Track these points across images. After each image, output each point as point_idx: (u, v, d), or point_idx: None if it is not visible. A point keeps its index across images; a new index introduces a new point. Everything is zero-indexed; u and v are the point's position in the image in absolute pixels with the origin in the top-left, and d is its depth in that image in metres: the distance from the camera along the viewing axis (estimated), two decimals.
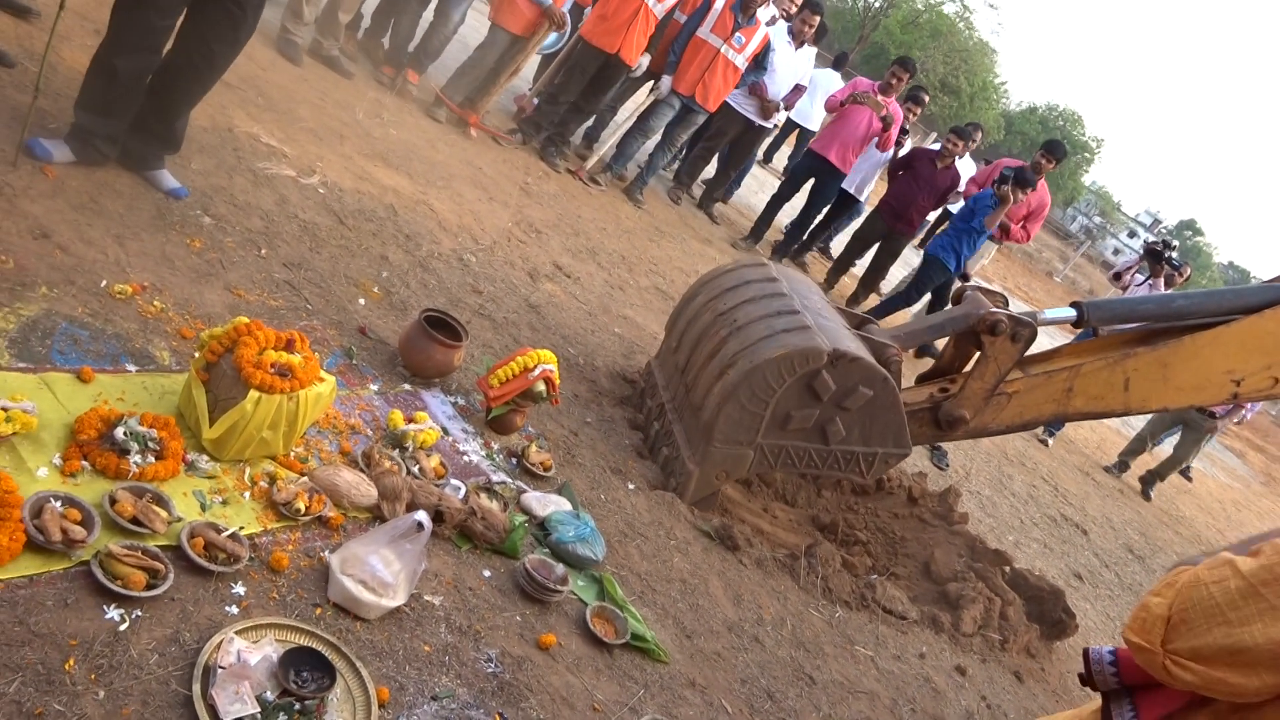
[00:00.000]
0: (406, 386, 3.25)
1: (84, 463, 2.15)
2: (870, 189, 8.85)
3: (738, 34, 7.14)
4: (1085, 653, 1.66)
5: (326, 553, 2.32)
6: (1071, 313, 3.70)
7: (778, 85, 7.86)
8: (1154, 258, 7.69)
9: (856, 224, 9.20)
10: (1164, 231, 57.72)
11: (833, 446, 3.54)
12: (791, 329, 3.42)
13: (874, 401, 3.46)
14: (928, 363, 5.07)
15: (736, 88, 7.60)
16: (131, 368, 2.54)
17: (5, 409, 2.06)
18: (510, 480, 3.05)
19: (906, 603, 3.74)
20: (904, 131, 8.52)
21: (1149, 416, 9.84)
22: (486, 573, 2.60)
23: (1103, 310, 3.78)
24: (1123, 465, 8.82)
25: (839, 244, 9.49)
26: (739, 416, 3.41)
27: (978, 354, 3.79)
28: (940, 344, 4.79)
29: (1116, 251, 45.42)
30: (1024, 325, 3.65)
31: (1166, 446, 9.15)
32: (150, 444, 2.24)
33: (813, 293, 3.92)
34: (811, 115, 8.51)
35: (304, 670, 1.96)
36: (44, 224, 2.84)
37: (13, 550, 1.83)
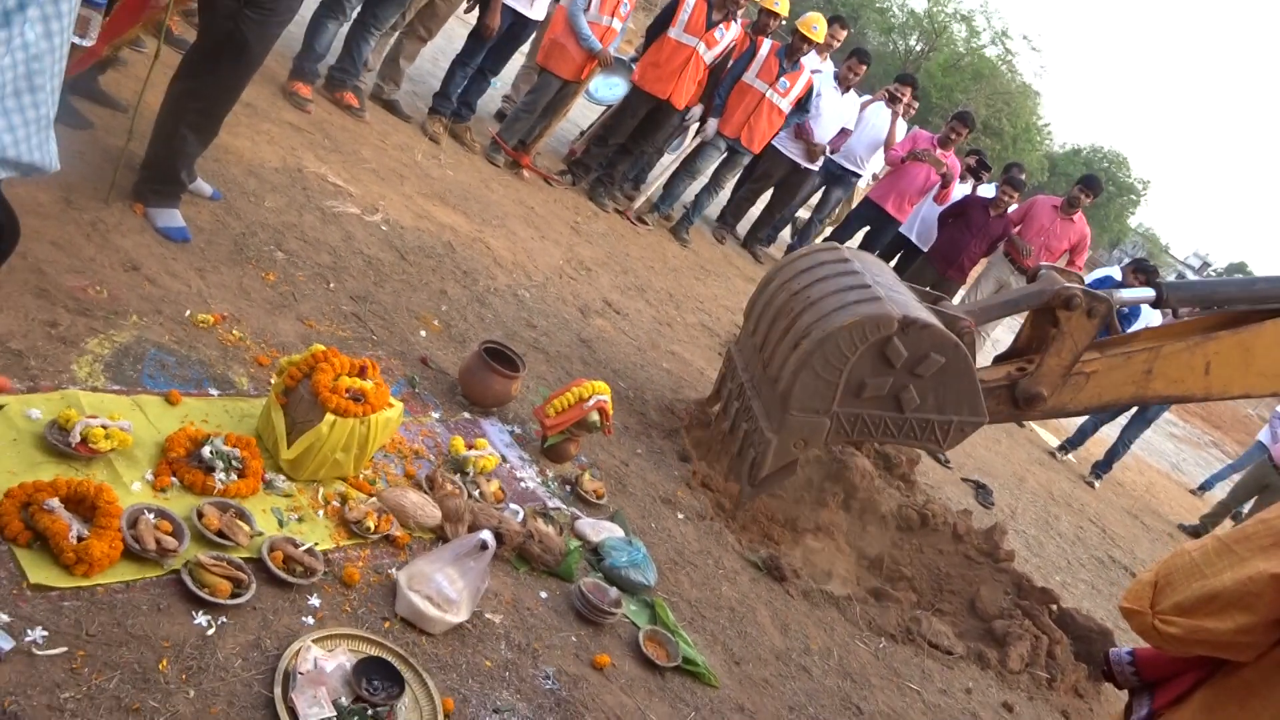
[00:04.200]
0: (466, 415, 3.37)
1: (173, 478, 2.29)
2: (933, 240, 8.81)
3: (782, 79, 7.31)
4: (1105, 654, 1.79)
5: (394, 569, 2.43)
6: (1150, 293, 3.63)
7: (823, 129, 8.02)
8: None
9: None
10: (1213, 275, 56.69)
11: (908, 414, 3.56)
12: (864, 300, 3.49)
13: (947, 369, 3.48)
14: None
15: (781, 130, 7.77)
16: (214, 392, 2.70)
17: (105, 427, 2.21)
18: (565, 506, 3.15)
19: (952, 638, 3.75)
20: (986, 168, 8.61)
21: (1229, 482, 9.62)
22: (543, 594, 2.69)
23: (1182, 291, 3.69)
24: (1201, 529, 8.55)
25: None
26: (814, 385, 3.49)
27: (1054, 332, 3.73)
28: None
29: None
30: (1099, 300, 3.61)
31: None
32: (234, 463, 2.38)
33: (885, 272, 3.98)
34: (858, 155, 8.59)
35: (375, 679, 2.06)
36: (134, 257, 3.03)
37: (111, 557, 1.97)
